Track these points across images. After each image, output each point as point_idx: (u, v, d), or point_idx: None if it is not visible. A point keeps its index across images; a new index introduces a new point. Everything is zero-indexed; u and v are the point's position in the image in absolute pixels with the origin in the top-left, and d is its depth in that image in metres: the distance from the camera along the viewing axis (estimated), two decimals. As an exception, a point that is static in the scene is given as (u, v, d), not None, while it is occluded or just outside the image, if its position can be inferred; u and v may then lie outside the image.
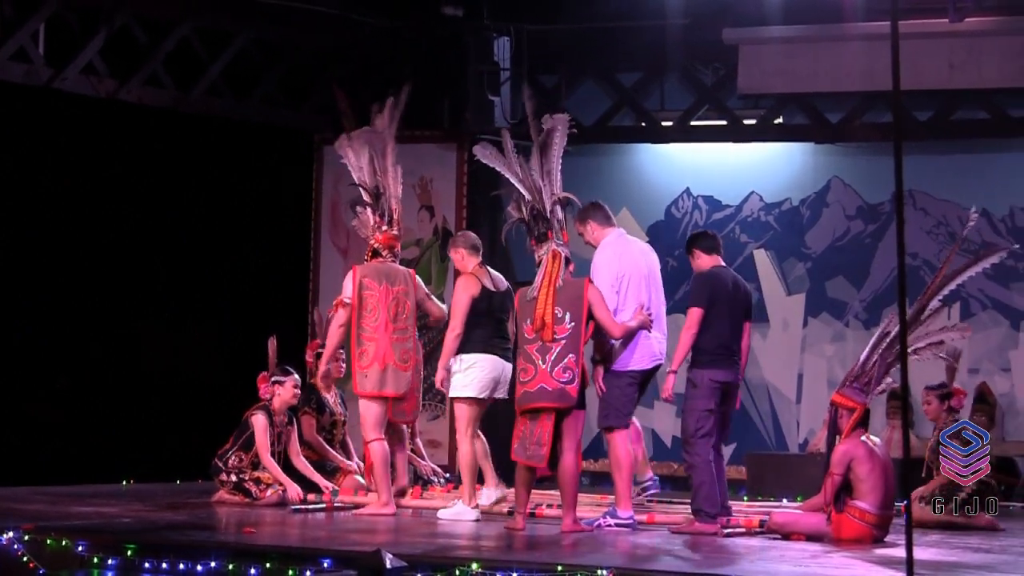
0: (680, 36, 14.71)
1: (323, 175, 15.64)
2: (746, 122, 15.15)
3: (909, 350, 9.93)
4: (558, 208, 10.27)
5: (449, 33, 14.85)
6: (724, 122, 15.26)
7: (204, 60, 14.73)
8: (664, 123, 15.39)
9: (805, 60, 14.39)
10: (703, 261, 10.50)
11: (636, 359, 10.52)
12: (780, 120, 15.14)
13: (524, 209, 10.29)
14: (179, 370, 15.90)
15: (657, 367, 10.84)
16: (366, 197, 11.41)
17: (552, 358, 9.95)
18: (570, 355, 9.96)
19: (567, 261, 10.16)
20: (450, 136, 15.17)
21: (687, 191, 15.49)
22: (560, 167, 10.31)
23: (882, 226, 14.87)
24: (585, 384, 10.13)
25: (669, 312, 15.18)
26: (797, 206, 15.22)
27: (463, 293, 10.90)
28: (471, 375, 10.84)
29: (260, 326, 12.24)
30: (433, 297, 11.69)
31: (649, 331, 10.45)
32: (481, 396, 10.91)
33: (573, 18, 15.12)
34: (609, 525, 10.31)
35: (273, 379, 11.81)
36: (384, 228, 11.35)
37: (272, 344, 11.96)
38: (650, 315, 10.43)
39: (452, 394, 11.02)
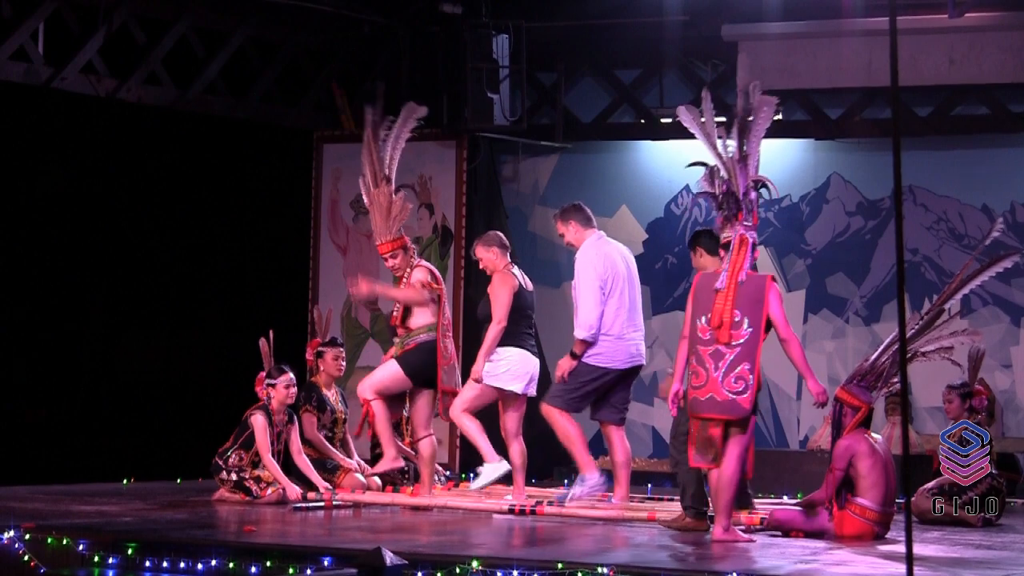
0: (679, 33, 14.72)
1: (322, 173, 15.62)
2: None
3: (918, 352, 9.94)
4: (752, 191, 9.62)
5: (447, 31, 14.84)
6: (724, 119, 15.20)
7: (202, 59, 14.72)
8: (663, 120, 15.36)
9: (804, 56, 14.37)
10: (707, 262, 10.48)
11: (606, 358, 10.72)
12: (779, 116, 15.08)
13: (717, 185, 9.70)
14: (179, 369, 15.90)
15: (637, 367, 10.92)
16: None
17: (725, 366, 9.38)
18: (744, 364, 9.36)
19: (754, 247, 9.60)
20: (449, 134, 15.15)
21: (687, 188, 15.47)
22: (758, 150, 9.77)
23: (882, 222, 14.85)
24: (759, 389, 9.46)
25: (669, 309, 15.25)
26: (797, 202, 15.20)
27: (503, 288, 11.10)
28: (500, 368, 11.08)
29: (260, 325, 12.22)
30: None
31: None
32: (504, 387, 11.11)
33: (572, 15, 15.10)
34: (583, 494, 10.41)
35: (266, 381, 11.81)
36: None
37: (263, 344, 11.93)
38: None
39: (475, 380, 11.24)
